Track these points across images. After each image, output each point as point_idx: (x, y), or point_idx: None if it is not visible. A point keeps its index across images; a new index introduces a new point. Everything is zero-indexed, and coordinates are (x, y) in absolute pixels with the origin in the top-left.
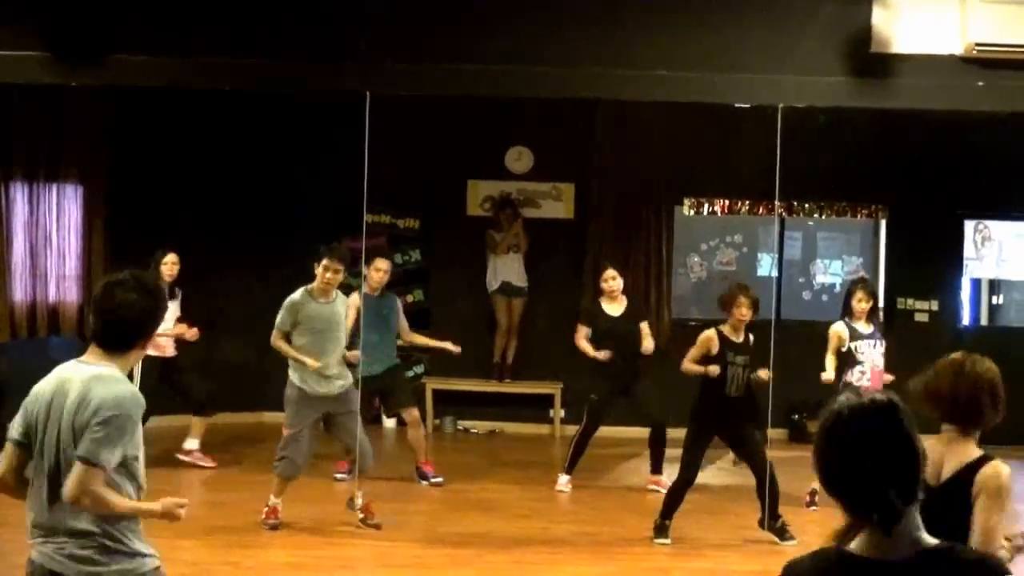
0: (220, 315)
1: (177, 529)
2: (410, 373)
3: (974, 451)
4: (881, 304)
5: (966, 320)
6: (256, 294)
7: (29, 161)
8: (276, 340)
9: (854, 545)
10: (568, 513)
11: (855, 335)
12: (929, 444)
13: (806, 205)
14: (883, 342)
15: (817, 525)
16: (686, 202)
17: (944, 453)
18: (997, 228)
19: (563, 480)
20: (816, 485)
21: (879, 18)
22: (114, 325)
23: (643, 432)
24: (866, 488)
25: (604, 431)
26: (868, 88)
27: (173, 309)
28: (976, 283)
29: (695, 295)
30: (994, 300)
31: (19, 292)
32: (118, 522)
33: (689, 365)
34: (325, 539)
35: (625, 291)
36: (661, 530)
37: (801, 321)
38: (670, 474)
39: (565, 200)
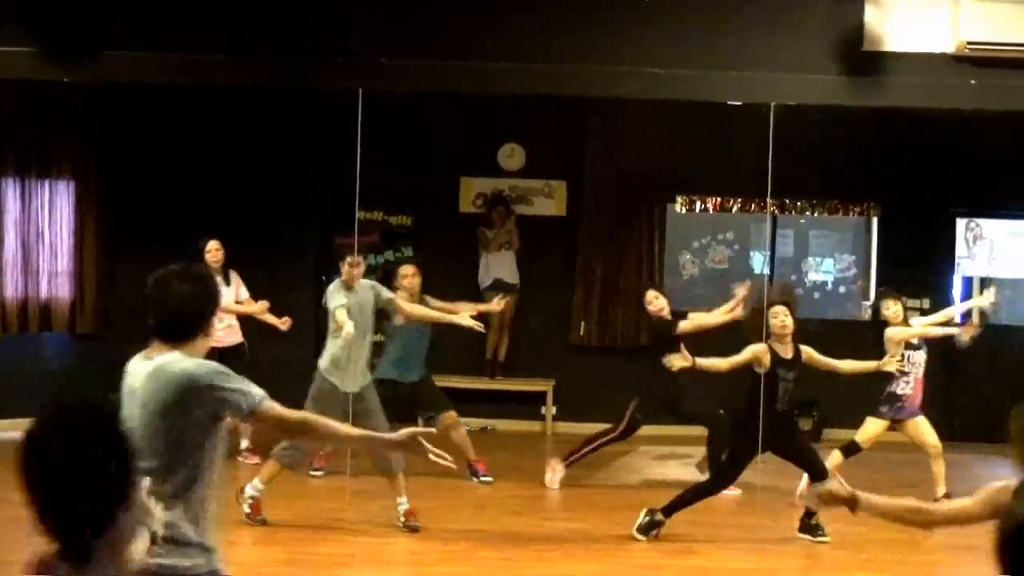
0: None
1: None
2: None
3: None
4: (871, 301)
5: (957, 318)
6: (248, 290)
7: (21, 157)
8: (342, 315)
9: None
10: (561, 510)
11: (908, 344)
12: None
13: (798, 203)
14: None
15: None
16: (678, 200)
17: None
18: (989, 226)
19: (556, 476)
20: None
21: (871, 16)
22: (171, 316)
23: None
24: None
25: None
26: (860, 86)
27: (229, 294)
28: (968, 281)
29: (687, 293)
30: None
31: (11, 288)
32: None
33: (718, 363)
34: (317, 536)
35: (617, 289)
36: (651, 526)
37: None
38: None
39: (557, 197)
